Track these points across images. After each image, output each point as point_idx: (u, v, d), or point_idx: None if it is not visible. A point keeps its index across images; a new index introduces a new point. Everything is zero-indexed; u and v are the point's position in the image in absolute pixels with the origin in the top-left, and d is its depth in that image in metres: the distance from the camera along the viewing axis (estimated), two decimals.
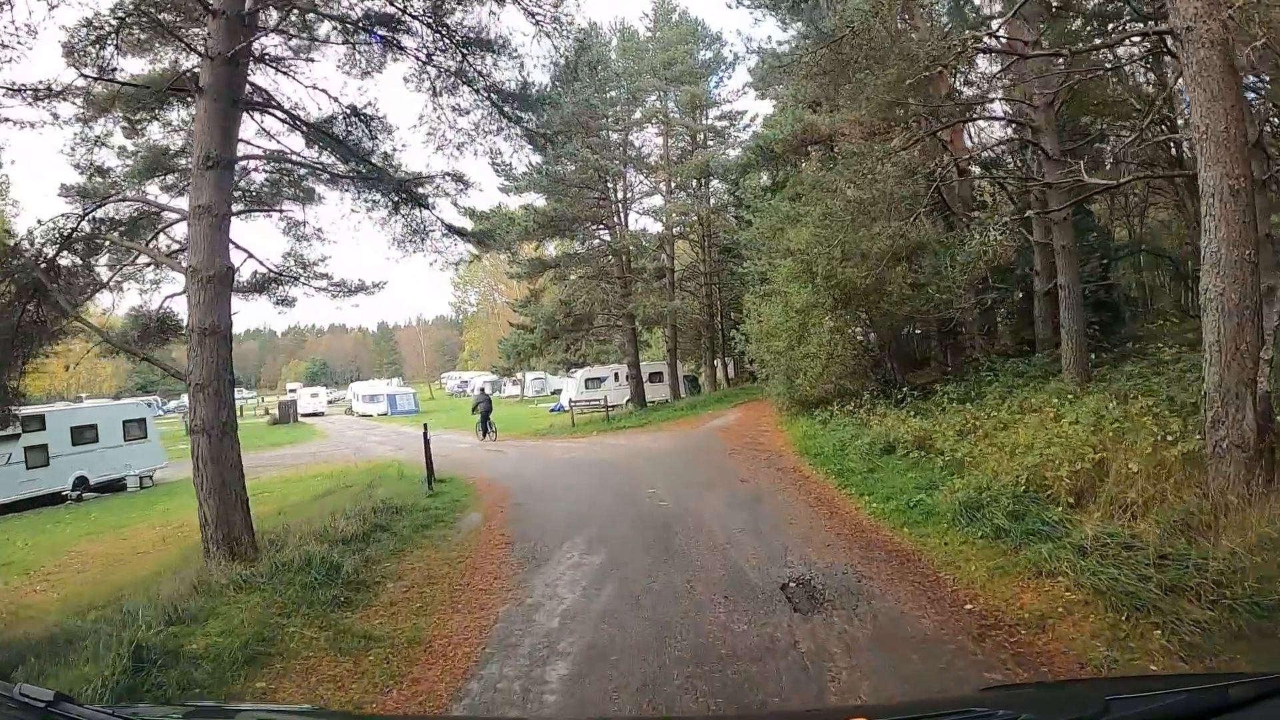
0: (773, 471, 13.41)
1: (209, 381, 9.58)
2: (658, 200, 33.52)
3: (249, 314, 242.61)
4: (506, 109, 11.89)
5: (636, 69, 31.07)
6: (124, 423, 23.65)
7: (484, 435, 26.76)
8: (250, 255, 16.92)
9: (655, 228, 32.10)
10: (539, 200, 28.86)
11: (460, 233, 14.30)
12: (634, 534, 9.22)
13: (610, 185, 29.45)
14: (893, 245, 14.75)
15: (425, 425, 16.18)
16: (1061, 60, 12.51)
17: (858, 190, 14.99)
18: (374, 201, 14.84)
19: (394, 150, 13.60)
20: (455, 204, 14.43)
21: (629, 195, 30.85)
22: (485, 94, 11.57)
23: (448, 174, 13.19)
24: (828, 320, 17.81)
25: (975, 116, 18.09)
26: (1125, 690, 2.10)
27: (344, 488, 16.60)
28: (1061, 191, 14.29)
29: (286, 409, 50.91)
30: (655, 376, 35.21)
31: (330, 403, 66.56)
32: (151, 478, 23.34)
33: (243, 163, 15.22)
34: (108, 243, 12.57)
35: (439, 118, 11.85)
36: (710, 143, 33.73)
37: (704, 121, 34.19)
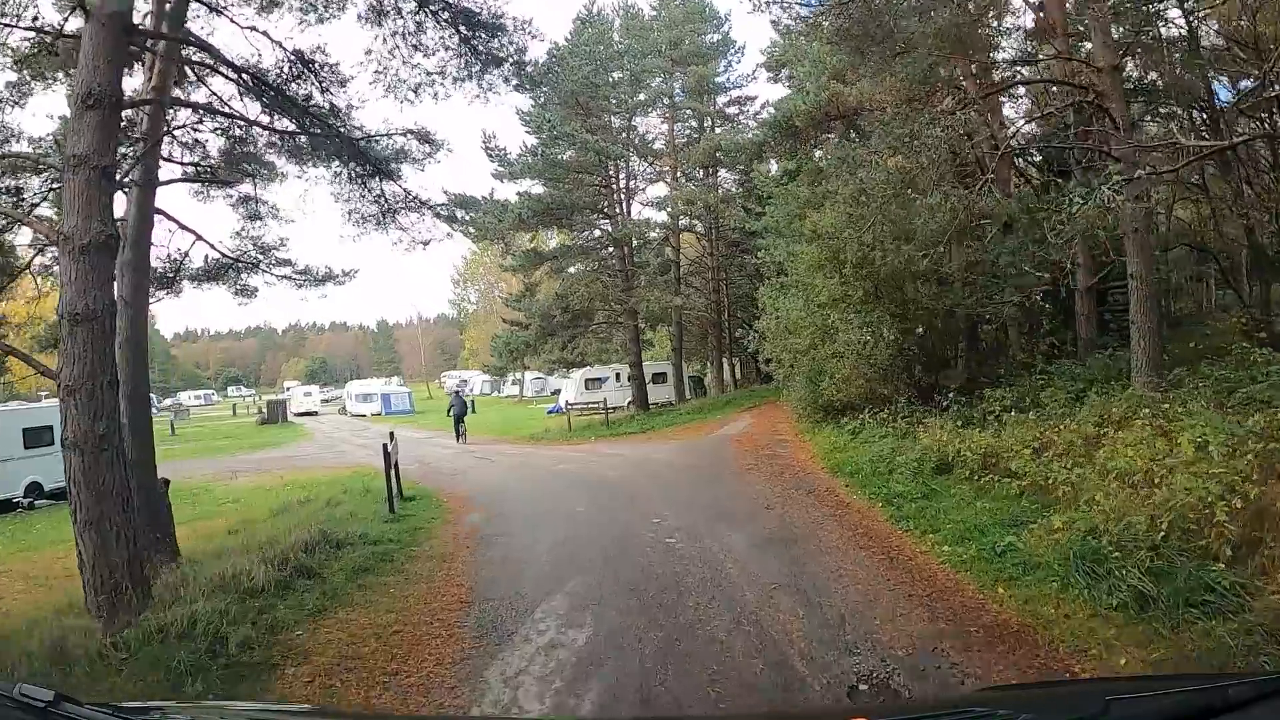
0: (802, 495, 11.12)
1: (80, 383, 7.30)
2: (662, 190, 31.32)
3: (252, 309, 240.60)
4: (476, 40, 9.57)
5: (640, 49, 28.82)
6: None
7: (459, 438, 26.11)
8: (199, 237, 14.96)
9: (660, 218, 29.84)
10: (536, 187, 26.64)
11: (439, 212, 12.00)
12: (633, 592, 6.90)
13: (611, 172, 27.19)
14: (954, 219, 12.40)
15: (390, 437, 13.91)
16: None
17: (903, 158, 12.68)
18: (327, 166, 12.71)
19: (350, 107, 11.39)
20: (422, 169, 12.15)
21: (632, 183, 28.64)
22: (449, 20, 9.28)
23: (410, 132, 10.88)
24: (856, 315, 15.58)
25: (1026, 81, 15.89)
26: (1125, 690, 2.07)
27: (306, 501, 14.51)
28: (1130, 165, 12.03)
29: (275, 409, 48.88)
30: (659, 377, 33.04)
31: (326, 402, 64.68)
32: None
33: (177, 120, 13.14)
34: None
35: (391, 51, 9.55)
36: (719, 129, 31.43)
37: (712, 106, 31.94)
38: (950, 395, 13.90)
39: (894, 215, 14.46)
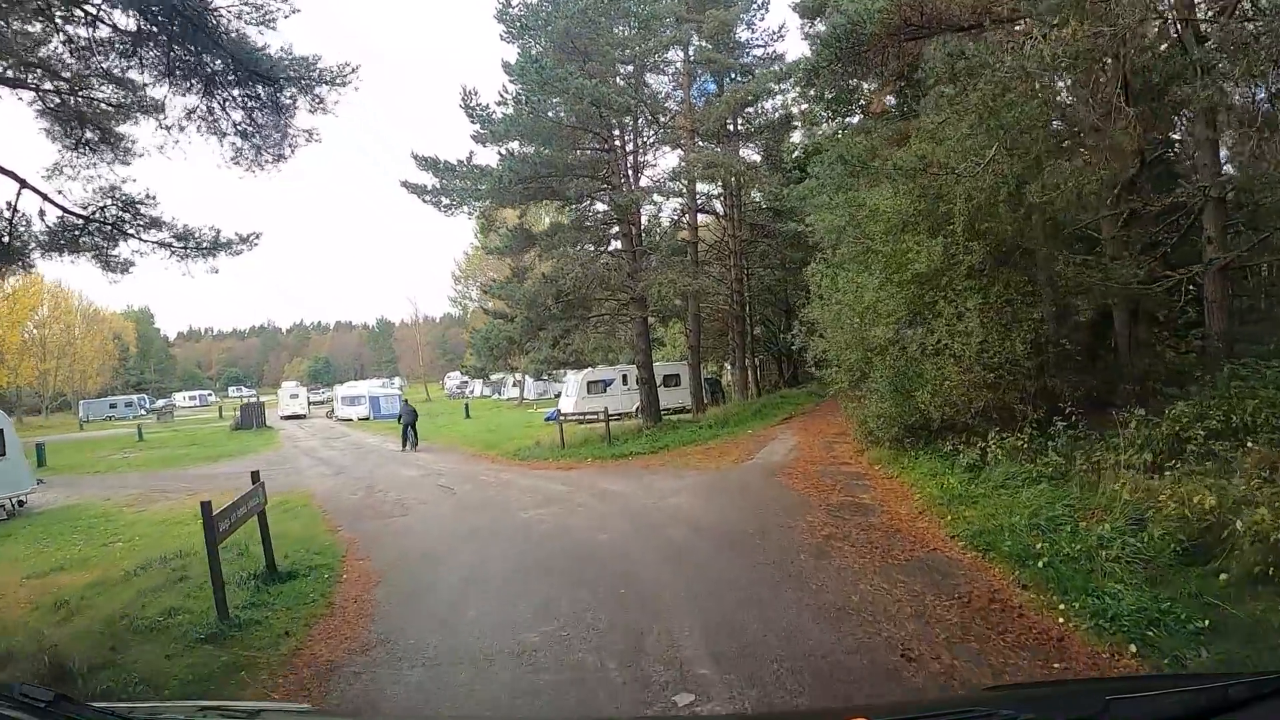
0: (950, 607, 6.05)
1: None
2: (674, 162, 26.26)
3: (256, 308, 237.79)
4: None
5: None
6: None
7: (406, 445, 25.12)
8: (22, 183, 10.66)
9: (673, 188, 24.69)
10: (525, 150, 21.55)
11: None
12: None
13: (615, 130, 22.12)
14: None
15: (255, 478, 9.09)
16: None
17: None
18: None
19: None
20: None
21: (640, 149, 23.59)
22: None
23: None
24: (973, 295, 10.67)
25: None
26: (1125, 690, 2.08)
27: (175, 560, 10.31)
28: None
29: (249, 413, 44.16)
30: (670, 380, 28.14)
31: (318, 404, 60.35)
32: (23, 503, 16.94)
33: None
34: None
35: None
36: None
37: (735, 59, 26.92)
38: (1136, 414, 8.87)
39: (1041, 143, 9.56)
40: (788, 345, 38.78)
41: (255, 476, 9.01)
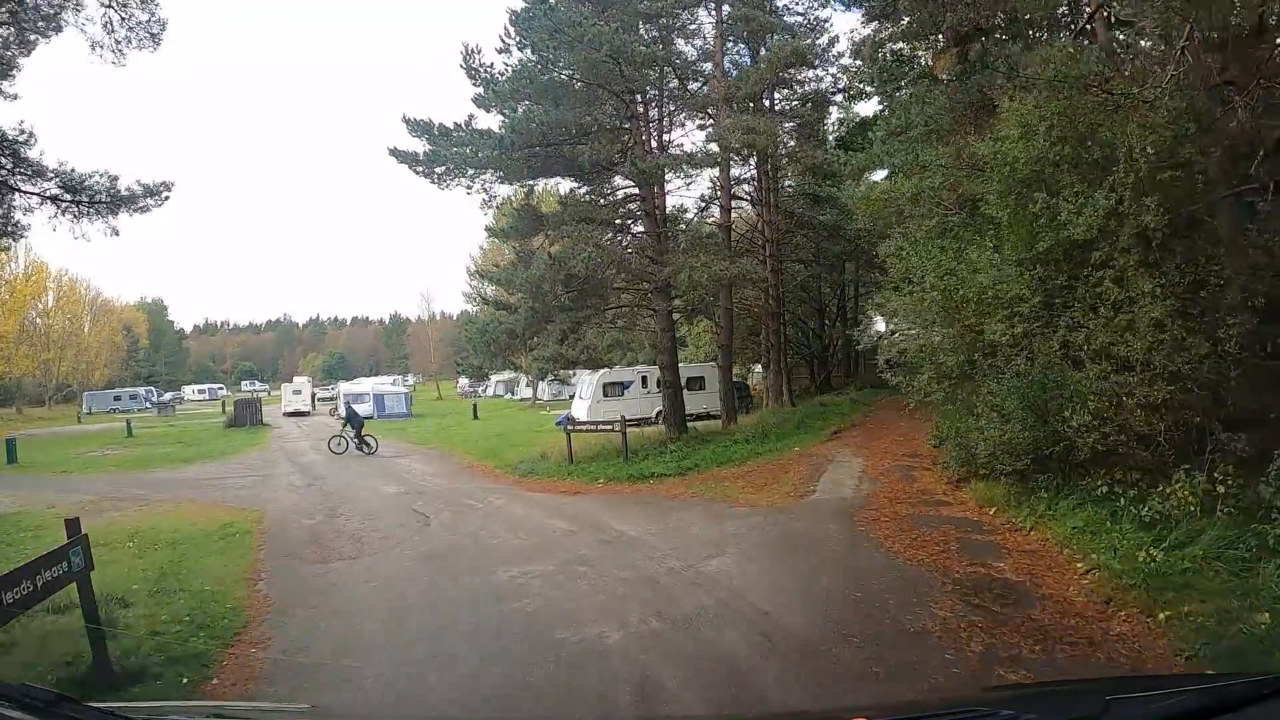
0: None
1: None
2: (700, 140, 22.97)
3: (272, 302, 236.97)
4: None
5: None
6: None
7: (348, 446, 23.76)
8: None
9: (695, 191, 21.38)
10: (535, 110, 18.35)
11: None
12: None
13: (635, 89, 18.83)
14: None
15: (80, 537, 5.96)
16: None
17: None
18: None
19: None
20: None
21: (665, 113, 20.37)
22: None
23: None
24: (1147, 278, 7.43)
25: None
26: (1125, 690, 2.05)
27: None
28: None
29: (244, 410, 41.44)
30: (694, 383, 25.03)
31: (324, 400, 57.71)
32: None
33: None
34: None
35: None
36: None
37: (778, 18, 23.62)
38: None
39: None
40: (822, 348, 35.75)
41: (73, 527, 5.83)
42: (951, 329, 10.53)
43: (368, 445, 23.87)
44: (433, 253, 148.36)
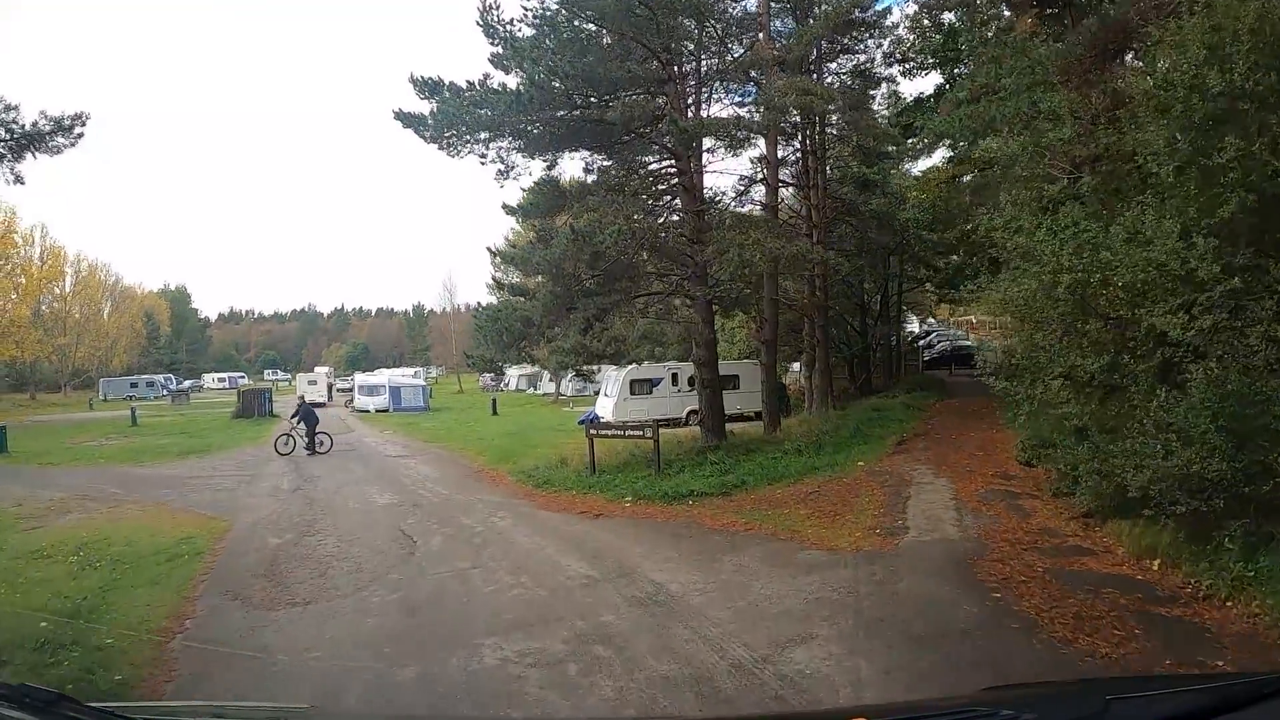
0: None
1: None
2: (727, 112, 20.30)
3: (297, 292, 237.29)
4: None
5: None
6: None
7: (295, 445, 21.91)
8: None
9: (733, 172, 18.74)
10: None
11: None
12: None
13: (671, 44, 16.23)
14: None
15: None
16: None
17: None
18: None
19: None
20: None
21: (705, 72, 17.77)
22: None
23: None
24: None
25: None
26: (1125, 690, 2.03)
27: None
28: None
29: (250, 400, 39.69)
30: (727, 382, 22.44)
31: (342, 391, 56.04)
32: None
33: None
34: None
35: None
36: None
37: None
38: None
39: None
40: (863, 346, 33.10)
41: None
42: (1091, 323, 7.99)
43: (319, 445, 22.15)
44: (459, 245, 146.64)
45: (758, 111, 15.76)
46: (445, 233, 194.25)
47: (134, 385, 63.68)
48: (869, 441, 16.22)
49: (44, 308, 59.43)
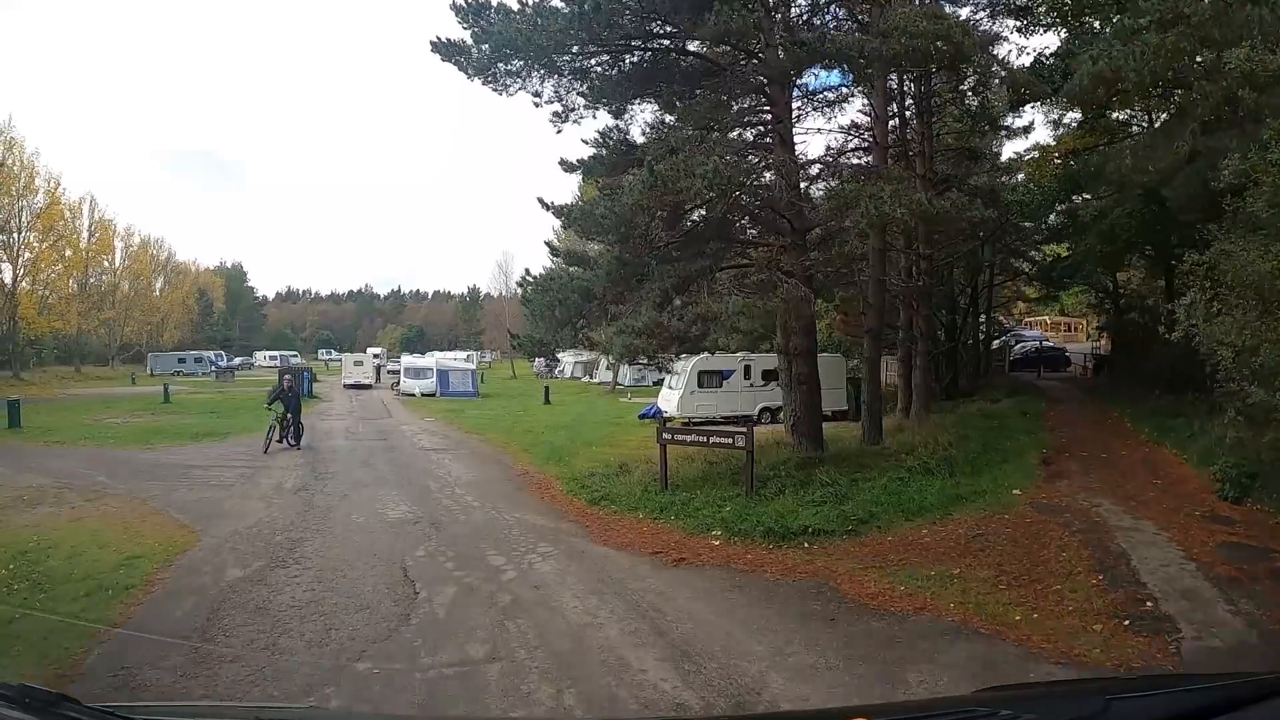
0: None
1: None
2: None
3: (354, 273, 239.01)
4: None
5: None
6: None
7: (279, 439, 18.21)
8: None
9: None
10: None
11: None
12: None
13: None
14: None
15: None
16: None
17: None
18: None
19: None
20: None
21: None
22: None
23: None
24: None
25: None
26: (1125, 690, 1.99)
27: None
28: None
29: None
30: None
31: (391, 373, 54.04)
32: None
33: None
34: None
35: None
36: None
37: None
38: None
39: None
40: (952, 343, 29.25)
41: None
42: None
43: (290, 435, 18.52)
44: (516, 230, 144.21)
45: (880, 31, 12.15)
46: (502, 218, 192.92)
47: (181, 360, 63.24)
48: (1006, 459, 12.77)
49: (91, 280, 58.60)
